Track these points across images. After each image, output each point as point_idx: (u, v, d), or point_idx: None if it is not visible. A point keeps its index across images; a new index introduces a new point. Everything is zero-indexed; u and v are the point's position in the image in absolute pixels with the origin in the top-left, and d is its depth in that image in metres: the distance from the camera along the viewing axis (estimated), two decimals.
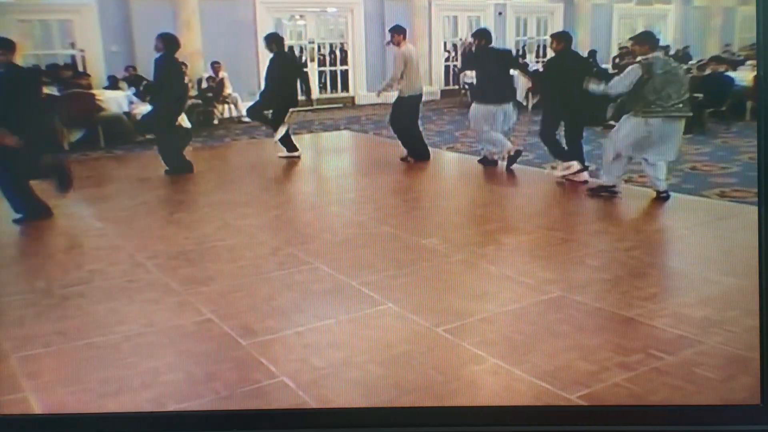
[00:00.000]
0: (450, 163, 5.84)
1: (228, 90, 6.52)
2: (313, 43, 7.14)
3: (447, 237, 4.13)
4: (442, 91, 7.51)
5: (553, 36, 5.34)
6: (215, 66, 6.30)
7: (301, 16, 7.16)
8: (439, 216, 4.69)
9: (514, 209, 4.93)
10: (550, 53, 5.49)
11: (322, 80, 7.21)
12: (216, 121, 6.38)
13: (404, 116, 5.56)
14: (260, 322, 2.97)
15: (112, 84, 6.04)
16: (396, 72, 5.51)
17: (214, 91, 6.33)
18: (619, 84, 4.59)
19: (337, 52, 7.16)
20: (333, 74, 7.17)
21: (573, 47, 5.31)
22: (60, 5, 6.14)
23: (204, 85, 6.31)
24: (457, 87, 7.55)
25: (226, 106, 6.57)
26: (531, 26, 7.65)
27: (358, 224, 4.42)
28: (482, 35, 5.42)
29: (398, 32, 5.52)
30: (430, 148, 5.67)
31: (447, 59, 7.64)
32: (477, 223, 4.57)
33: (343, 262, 3.64)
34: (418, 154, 5.58)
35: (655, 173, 4.61)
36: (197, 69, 6.26)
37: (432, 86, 7.34)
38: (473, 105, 5.42)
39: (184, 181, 5.18)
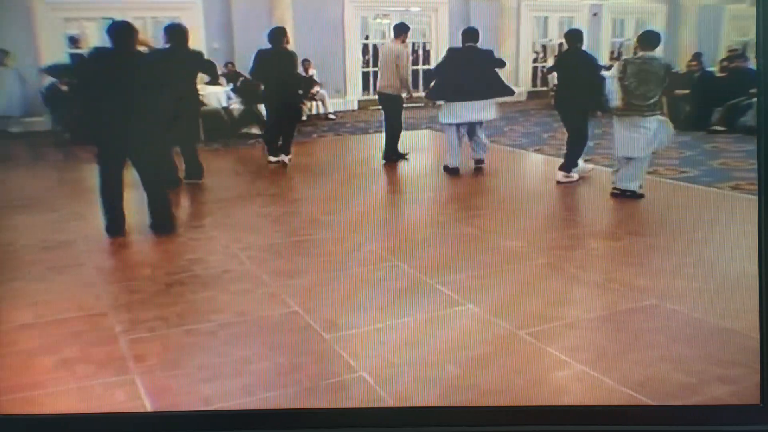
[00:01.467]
0: (536, 165, 5.63)
1: (316, 87, 6.63)
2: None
3: (531, 240, 3.99)
4: (529, 93, 7.23)
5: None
6: (305, 63, 6.38)
7: (385, 15, 7.14)
8: (523, 218, 4.53)
9: (603, 213, 4.69)
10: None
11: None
12: (304, 117, 6.51)
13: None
14: (342, 316, 3.02)
15: (212, 79, 6.32)
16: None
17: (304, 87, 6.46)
18: (612, 90, 4.58)
19: (420, 52, 7.09)
20: (415, 73, 7.11)
21: (675, 49, 5.03)
22: (171, 3, 6.43)
23: None
24: (545, 88, 7.24)
25: (313, 102, 6.70)
26: (629, 27, 7.15)
27: (438, 224, 4.38)
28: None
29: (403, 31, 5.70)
30: (516, 151, 5.61)
31: (535, 60, 7.35)
32: (564, 227, 4.40)
33: (423, 261, 3.62)
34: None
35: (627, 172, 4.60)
36: None
37: (519, 87, 7.09)
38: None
39: (275, 175, 5.36)
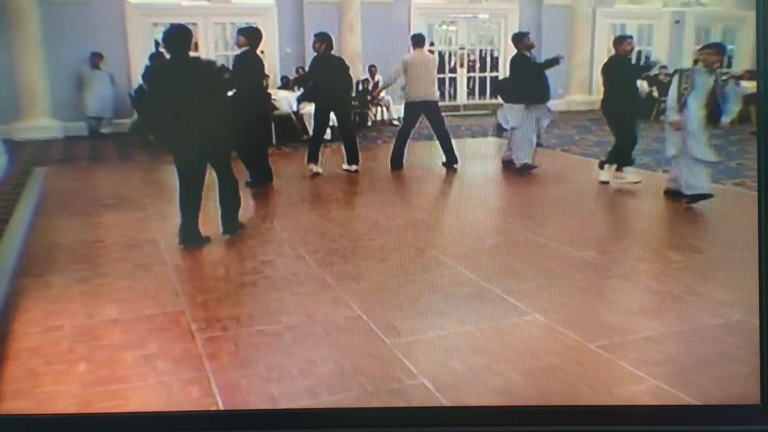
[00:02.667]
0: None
1: (382, 93, 6.61)
2: (463, 48, 6.97)
3: (605, 250, 3.83)
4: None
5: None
6: (372, 69, 6.37)
7: (452, 22, 7.02)
8: (596, 228, 4.33)
9: (685, 225, 4.40)
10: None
11: (470, 86, 7.03)
12: (370, 123, 6.52)
13: (410, 122, 5.55)
14: (404, 322, 3.01)
15: (284, 84, 6.42)
16: (389, 77, 5.72)
17: (370, 93, 6.47)
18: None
19: (488, 59, 6.94)
20: (482, 80, 6.96)
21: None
22: (248, 8, 6.59)
23: (360, 87, 6.44)
24: None
25: (379, 108, 6.69)
26: (715, 35, 6.62)
27: (505, 231, 4.26)
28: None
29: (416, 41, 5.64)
30: (588, 159, 5.40)
31: None
32: (641, 238, 4.18)
33: (488, 269, 3.54)
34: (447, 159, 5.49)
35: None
36: (356, 72, 6.39)
37: (591, 95, 6.78)
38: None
39: (340, 180, 5.39)
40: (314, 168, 5.26)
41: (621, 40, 5.16)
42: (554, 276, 3.49)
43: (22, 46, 5.56)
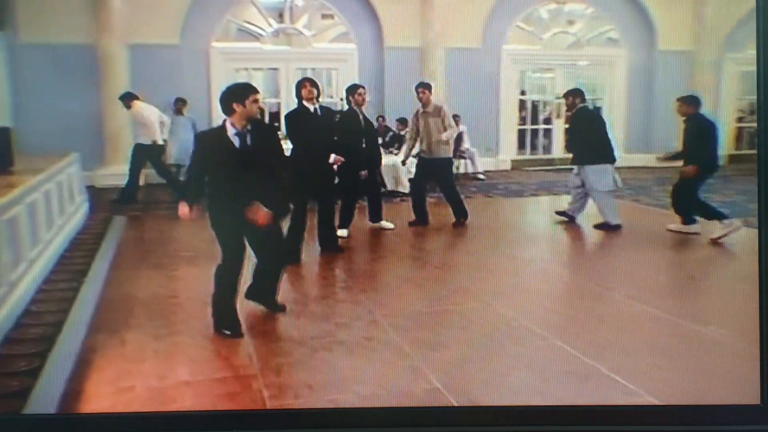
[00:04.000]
0: (737, 241, 4.94)
1: (465, 144, 6.53)
2: (559, 98, 6.86)
3: (734, 325, 3.47)
4: (731, 156, 6.49)
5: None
6: (455, 119, 6.40)
7: (547, 69, 6.92)
8: (724, 299, 4.01)
9: None
10: None
11: (567, 138, 6.86)
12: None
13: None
14: (489, 398, 2.83)
15: None
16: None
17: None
18: None
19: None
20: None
21: None
22: (331, 54, 6.85)
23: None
24: (753, 151, 6.40)
25: (462, 161, 6.64)
26: None
27: (607, 300, 4.01)
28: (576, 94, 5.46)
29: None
30: (705, 221, 5.11)
31: (740, 120, 6.60)
32: None
33: (589, 343, 3.33)
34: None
35: None
36: None
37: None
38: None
39: (419, 238, 5.35)
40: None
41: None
42: (672, 354, 3.22)
43: (110, 93, 6.03)
